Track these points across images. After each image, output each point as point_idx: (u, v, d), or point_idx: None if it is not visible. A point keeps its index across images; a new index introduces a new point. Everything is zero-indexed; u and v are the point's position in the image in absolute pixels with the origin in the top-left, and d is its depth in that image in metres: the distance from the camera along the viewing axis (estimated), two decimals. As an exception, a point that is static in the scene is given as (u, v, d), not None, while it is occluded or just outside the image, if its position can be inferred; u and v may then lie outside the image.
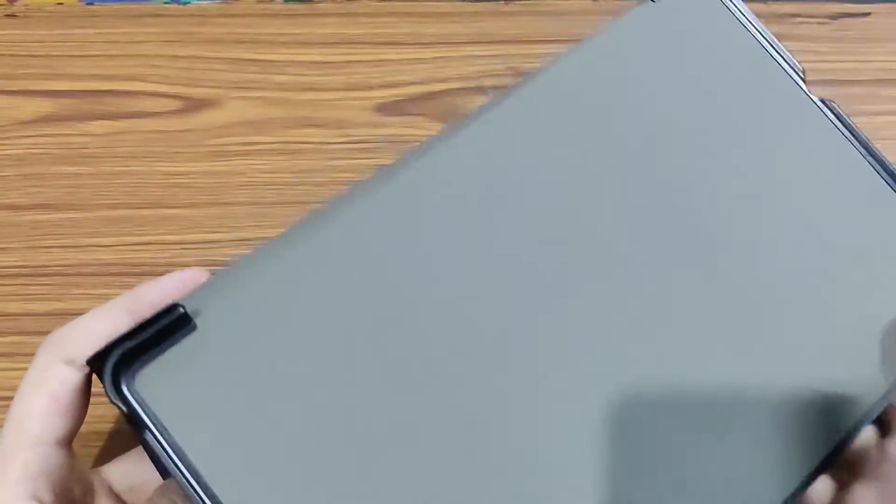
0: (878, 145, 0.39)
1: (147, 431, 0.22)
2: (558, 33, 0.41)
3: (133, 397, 0.22)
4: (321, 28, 0.41)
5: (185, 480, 0.22)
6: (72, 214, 0.37)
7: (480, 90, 0.40)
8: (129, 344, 0.23)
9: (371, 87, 0.40)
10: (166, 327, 0.23)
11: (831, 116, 0.32)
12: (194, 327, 0.24)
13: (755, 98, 0.32)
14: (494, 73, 0.40)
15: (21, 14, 0.41)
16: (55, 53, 0.40)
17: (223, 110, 0.39)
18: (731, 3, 0.32)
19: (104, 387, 0.22)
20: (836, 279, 0.30)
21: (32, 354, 0.34)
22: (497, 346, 0.26)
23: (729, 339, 0.28)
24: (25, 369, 0.34)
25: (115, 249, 0.36)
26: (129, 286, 0.35)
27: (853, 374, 0.29)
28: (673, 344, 0.28)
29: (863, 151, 0.32)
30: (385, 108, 0.40)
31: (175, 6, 0.42)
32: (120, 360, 0.22)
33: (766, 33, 0.32)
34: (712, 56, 0.32)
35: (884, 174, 0.32)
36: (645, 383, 0.27)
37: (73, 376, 0.25)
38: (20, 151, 0.38)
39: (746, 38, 0.32)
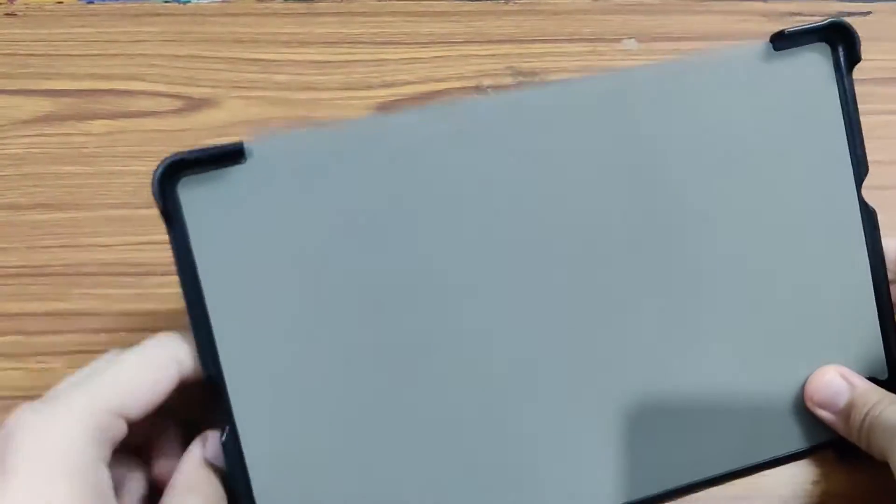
0: (877, 145, 0.39)
1: (173, 228, 0.26)
2: (557, 33, 0.41)
3: (170, 195, 0.26)
4: (320, 27, 0.41)
5: (183, 276, 0.26)
6: (72, 214, 0.37)
7: (479, 89, 0.40)
8: (185, 155, 0.26)
9: (370, 87, 0.40)
10: (222, 153, 0.27)
11: (865, 224, 0.32)
12: (244, 161, 0.27)
13: (800, 171, 0.32)
14: (493, 72, 0.40)
15: (21, 13, 0.41)
16: (55, 53, 0.40)
17: (222, 110, 0.39)
18: (841, 85, 0.32)
19: (152, 184, 0.26)
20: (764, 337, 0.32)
21: (32, 354, 0.34)
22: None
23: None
24: (25, 369, 0.34)
25: (114, 249, 0.36)
26: (129, 286, 0.36)
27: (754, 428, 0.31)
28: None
29: (871, 265, 0.32)
30: (384, 108, 0.40)
31: (174, 5, 0.42)
32: (172, 165, 0.26)
33: (855, 124, 0.32)
34: (786, 120, 0.32)
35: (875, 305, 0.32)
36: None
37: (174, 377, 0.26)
38: (20, 151, 0.38)
39: (833, 118, 0.32)
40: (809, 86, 0.32)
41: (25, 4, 0.41)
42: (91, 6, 0.41)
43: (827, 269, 0.32)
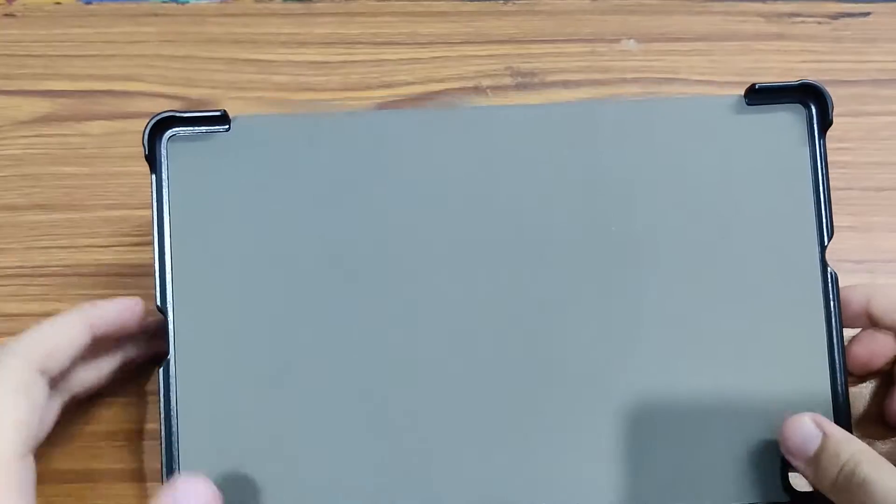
0: (876, 146, 0.39)
1: (154, 173, 0.31)
2: (557, 33, 0.41)
3: (157, 145, 0.31)
4: (319, 28, 0.41)
5: (156, 217, 0.31)
6: (70, 215, 0.37)
7: (478, 90, 0.40)
8: (175, 112, 0.31)
9: (369, 87, 0.40)
10: (208, 115, 0.32)
11: (828, 286, 0.31)
12: (228, 128, 0.32)
13: (761, 228, 0.32)
14: (492, 73, 0.40)
15: (19, 14, 0.41)
16: (53, 53, 0.40)
17: (221, 110, 0.39)
18: (812, 147, 0.32)
19: (143, 132, 0.31)
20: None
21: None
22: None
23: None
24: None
25: (112, 250, 0.36)
26: (127, 286, 0.36)
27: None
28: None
29: (827, 328, 0.31)
30: (383, 108, 0.40)
31: (173, 6, 0.42)
32: (163, 119, 0.31)
33: (824, 187, 0.32)
34: (753, 174, 0.32)
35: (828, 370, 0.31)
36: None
37: (44, 387, 0.28)
38: (18, 152, 0.38)
39: (801, 179, 0.32)
40: (780, 145, 0.32)
41: (24, 5, 0.41)
42: (89, 7, 0.41)
43: (780, 330, 0.31)
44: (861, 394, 0.34)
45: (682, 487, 0.31)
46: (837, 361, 0.31)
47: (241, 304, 0.31)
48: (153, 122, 0.31)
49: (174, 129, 0.32)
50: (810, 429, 0.29)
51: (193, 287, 0.31)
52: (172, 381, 0.30)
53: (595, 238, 0.32)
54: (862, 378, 0.34)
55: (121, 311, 0.31)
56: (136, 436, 0.34)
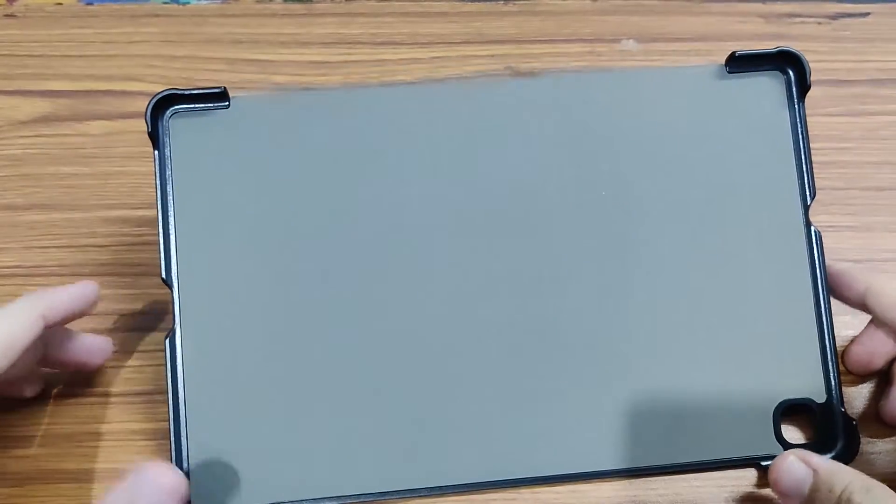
0: (876, 146, 0.39)
1: (157, 149, 0.32)
2: (556, 33, 0.41)
3: (160, 122, 0.32)
4: (319, 28, 0.41)
5: (160, 192, 0.32)
6: (69, 215, 0.37)
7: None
8: (176, 91, 0.32)
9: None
10: (208, 92, 0.32)
11: (812, 245, 0.32)
12: (228, 105, 0.33)
13: (746, 190, 0.33)
14: (492, 73, 0.40)
15: (20, 14, 0.41)
16: (53, 53, 0.40)
17: (221, 110, 0.39)
18: (792, 112, 0.33)
19: (146, 110, 0.31)
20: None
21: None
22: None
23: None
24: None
25: (111, 250, 0.36)
26: (126, 286, 0.36)
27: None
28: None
29: (813, 286, 0.32)
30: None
31: (173, 6, 0.42)
32: (165, 97, 0.32)
33: (805, 150, 0.33)
34: (736, 139, 0.33)
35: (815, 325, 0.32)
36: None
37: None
38: (17, 151, 0.38)
39: (782, 143, 0.33)
40: (761, 110, 0.33)
41: (25, 5, 0.41)
42: (90, 7, 0.42)
43: (768, 288, 0.32)
44: (861, 393, 0.34)
45: (680, 444, 0.31)
46: (824, 314, 0.32)
47: (244, 276, 0.32)
48: (155, 99, 0.32)
49: (175, 107, 0.32)
50: (799, 469, 0.29)
51: (197, 260, 0.32)
52: (178, 351, 0.31)
53: (587, 203, 0.32)
54: (862, 378, 0.34)
55: (75, 298, 0.30)
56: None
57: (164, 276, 0.31)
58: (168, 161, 0.32)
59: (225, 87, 0.32)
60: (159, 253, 0.31)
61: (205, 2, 0.42)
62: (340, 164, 0.32)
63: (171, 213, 0.32)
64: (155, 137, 0.32)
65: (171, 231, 0.32)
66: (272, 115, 0.33)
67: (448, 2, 0.42)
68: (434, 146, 0.33)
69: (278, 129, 0.33)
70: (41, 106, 0.39)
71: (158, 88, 0.38)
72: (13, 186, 0.38)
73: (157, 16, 0.41)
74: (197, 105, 0.32)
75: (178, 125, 0.32)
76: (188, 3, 0.42)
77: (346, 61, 0.41)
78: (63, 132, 0.39)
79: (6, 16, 0.41)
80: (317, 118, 0.33)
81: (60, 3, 0.42)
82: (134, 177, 0.38)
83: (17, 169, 0.38)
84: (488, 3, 0.42)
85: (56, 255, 0.36)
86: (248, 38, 0.41)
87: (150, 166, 0.38)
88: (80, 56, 0.40)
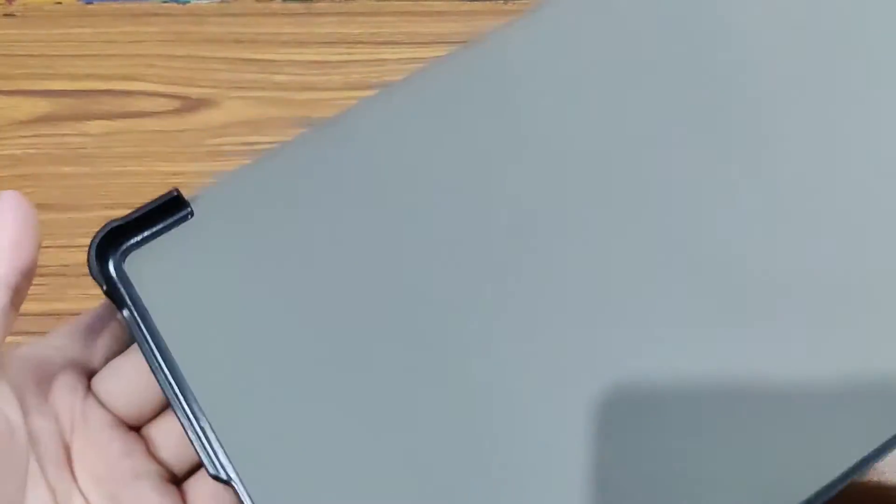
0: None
1: (125, 309, 0.23)
2: (557, 33, 0.41)
3: (116, 273, 0.23)
4: (319, 28, 0.41)
5: (154, 359, 0.22)
6: (69, 215, 0.37)
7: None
8: (120, 222, 0.23)
9: (369, 87, 0.40)
10: (159, 205, 0.23)
11: None
12: (191, 215, 0.24)
13: None
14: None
15: (19, 14, 0.41)
16: (53, 53, 0.40)
17: (221, 110, 0.39)
18: None
19: (88, 261, 0.23)
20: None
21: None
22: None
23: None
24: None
25: (112, 250, 0.36)
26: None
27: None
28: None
29: None
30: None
31: (173, 6, 0.42)
32: (108, 236, 0.23)
33: None
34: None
35: None
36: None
37: None
38: (17, 152, 0.38)
39: None
40: None
41: (24, 5, 0.41)
42: (89, 7, 0.41)
43: None
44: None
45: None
46: None
47: (293, 413, 0.23)
48: (96, 243, 0.23)
49: (127, 243, 0.23)
50: None
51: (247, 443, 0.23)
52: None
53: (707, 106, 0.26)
54: None
55: (27, 251, 0.23)
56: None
57: (212, 472, 0.22)
58: (148, 318, 0.23)
59: (177, 191, 0.23)
60: (197, 449, 0.22)
61: (204, 1, 0.42)
62: (339, 230, 0.25)
63: (188, 387, 0.22)
64: (115, 295, 0.23)
65: (198, 412, 0.22)
66: (246, 208, 0.24)
67: (448, 1, 0.42)
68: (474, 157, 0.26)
69: (257, 223, 0.24)
70: (41, 106, 0.39)
71: (158, 87, 0.38)
72: (13, 186, 0.38)
73: (156, 15, 0.41)
74: (153, 227, 0.23)
75: (137, 267, 0.23)
76: (188, 2, 0.42)
77: (346, 61, 0.41)
78: (63, 132, 0.39)
79: (5, 15, 0.41)
80: (300, 190, 0.25)
81: (60, 3, 0.41)
82: (134, 176, 0.38)
83: (16, 169, 0.38)
84: (488, 2, 0.42)
85: (57, 255, 0.36)
86: (248, 38, 0.41)
87: (150, 166, 0.38)
88: (80, 56, 0.40)
